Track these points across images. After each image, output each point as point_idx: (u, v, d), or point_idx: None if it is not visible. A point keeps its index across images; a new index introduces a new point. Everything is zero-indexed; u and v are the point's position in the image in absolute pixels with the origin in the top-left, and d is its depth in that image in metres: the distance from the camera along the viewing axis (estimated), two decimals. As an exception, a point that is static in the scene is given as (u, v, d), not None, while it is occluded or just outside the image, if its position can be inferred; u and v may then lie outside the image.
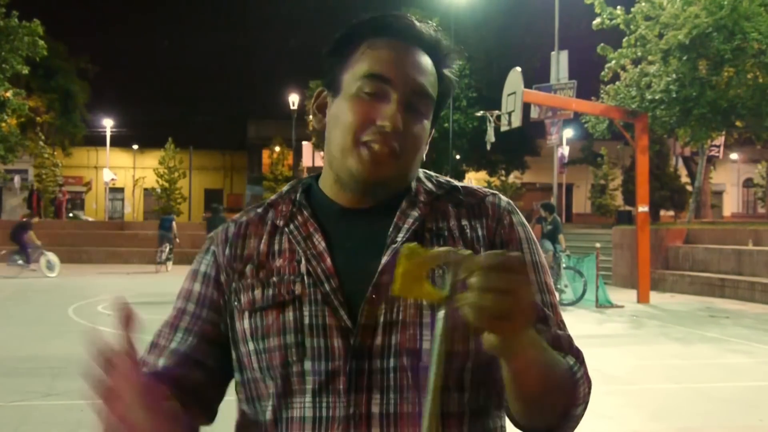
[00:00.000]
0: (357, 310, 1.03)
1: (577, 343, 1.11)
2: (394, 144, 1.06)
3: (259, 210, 1.17)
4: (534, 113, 20.36)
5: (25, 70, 23.89)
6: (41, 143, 38.01)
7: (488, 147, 18.70)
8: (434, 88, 1.12)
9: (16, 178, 37.20)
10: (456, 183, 1.17)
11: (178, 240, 21.73)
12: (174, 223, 22.24)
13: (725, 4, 14.75)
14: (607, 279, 16.04)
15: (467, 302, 0.81)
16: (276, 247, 1.10)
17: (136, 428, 0.90)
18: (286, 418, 1.04)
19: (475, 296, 0.81)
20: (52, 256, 18.67)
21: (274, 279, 1.07)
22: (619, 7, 16.11)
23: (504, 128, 15.34)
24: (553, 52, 23.10)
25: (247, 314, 1.07)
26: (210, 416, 1.13)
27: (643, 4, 15.93)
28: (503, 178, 38.47)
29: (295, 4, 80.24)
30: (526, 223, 1.16)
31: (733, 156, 45.17)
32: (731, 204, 49.35)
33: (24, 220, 20.15)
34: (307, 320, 1.03)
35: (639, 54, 16.25)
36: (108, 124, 47.41)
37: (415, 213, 1.10)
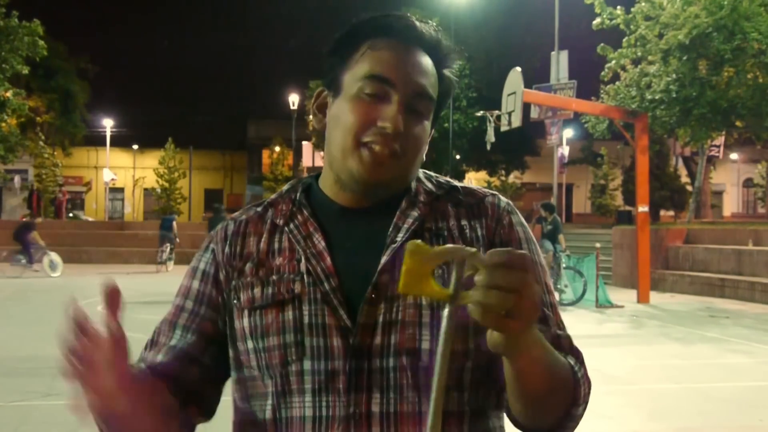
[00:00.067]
0: (356, 309, 1.03)
1: (577, 343, 1.11)
2: (395, 145, 1.06)
3: (259, 209, 1.17)
4: (534, 113, 20.33)
5: (25, 70, 23.89)
6: (41, 143, 38.02)
7: (488, 147, 18.65)
8: (435, 88, 1.12)
9: (16, 178, 37.18)
10: (455, 183, 1.17)
11: (178, 240, 21.75)
12: (175, 223, 22.27)
13: (725, 4, 14.74)
14: (607, 279, 16.02)
15: (473, 300, 0.81)
16: (276, 245, 1.11)
17: (124, 419, 0.91)
18: (285, 418, 1.04)
19: (480, 294, 0.80)
20: (55, 256, 18.71)
21: (274, 277, 1.07)
22: (619, 7, 16.10)
23: (504, 128, 15.33)
24: (553, 52, 23.08)
25: (246, 312, 1.07)
26: (207, 413, 1.13)
27: (643, 4, 15.91)
28: (503, 178, 38.44)
29: (295, 4, 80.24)
30: (525, 223, 1.17)
31: (733, 156, 45.14)
32: (731, 204, 49.34)
33: (28, 220, 20.21)
34: (306, 319, 1.03)
35: (639, 54, 16.23)
36: (108, 124, 47.42)
37: (415, 213, 1.10)
